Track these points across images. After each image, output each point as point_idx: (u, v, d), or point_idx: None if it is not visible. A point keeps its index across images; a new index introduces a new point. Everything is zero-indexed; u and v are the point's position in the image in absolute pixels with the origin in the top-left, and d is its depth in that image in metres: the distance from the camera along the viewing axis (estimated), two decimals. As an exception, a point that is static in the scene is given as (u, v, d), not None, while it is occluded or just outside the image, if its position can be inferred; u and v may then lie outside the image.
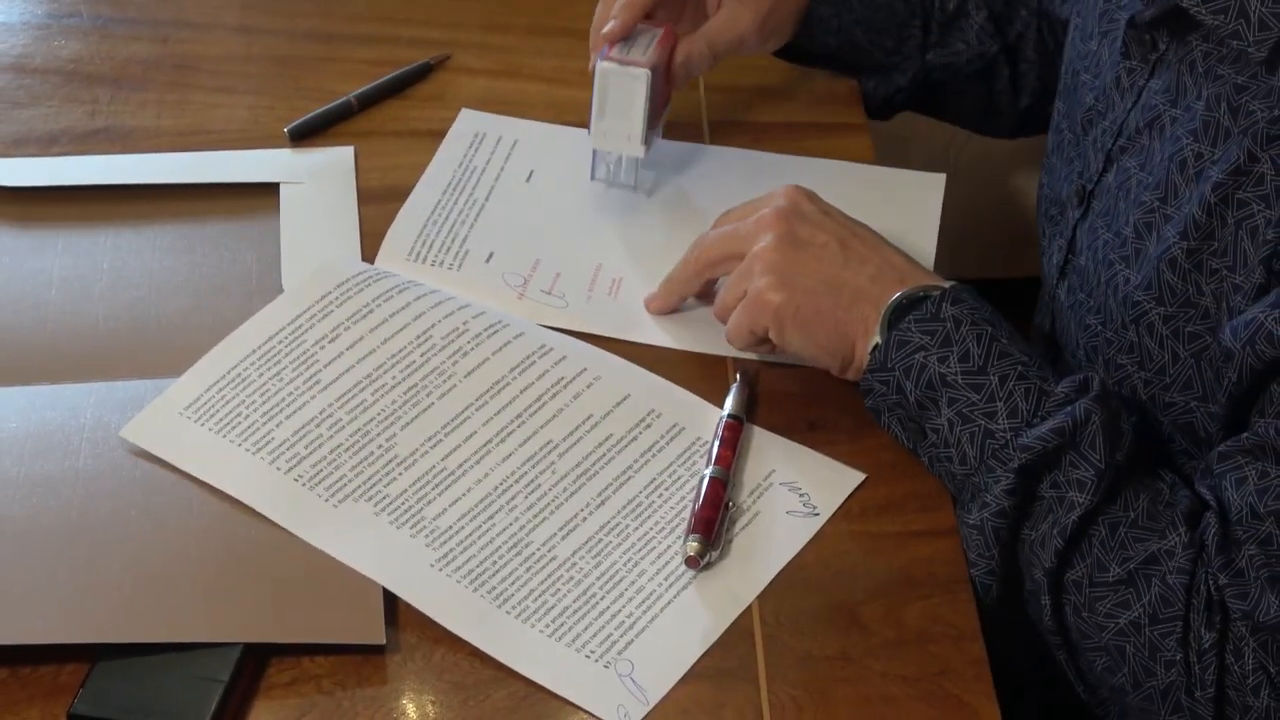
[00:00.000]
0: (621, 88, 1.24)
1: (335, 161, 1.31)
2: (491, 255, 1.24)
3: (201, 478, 1.06)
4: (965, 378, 1.05)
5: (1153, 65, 1.11)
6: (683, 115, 1.37)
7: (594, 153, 1.29)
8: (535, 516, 1.06)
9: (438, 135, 1.34)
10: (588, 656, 1.00)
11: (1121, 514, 1.02)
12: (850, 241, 1.12)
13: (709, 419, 1.12)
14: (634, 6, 1.25)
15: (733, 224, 1.16)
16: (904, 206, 1.29)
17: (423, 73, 1.40)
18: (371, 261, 1.22)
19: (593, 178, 1.30)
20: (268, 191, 1.28)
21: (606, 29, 1.25)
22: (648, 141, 1.26)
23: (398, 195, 1.28)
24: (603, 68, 1.24)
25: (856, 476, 1.10)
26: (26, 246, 1.24)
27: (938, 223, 1.28)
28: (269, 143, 1.33)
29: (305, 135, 1.33)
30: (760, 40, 1.33)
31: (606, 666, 0.99)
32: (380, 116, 1.36)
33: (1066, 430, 1.02)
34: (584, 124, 1.33)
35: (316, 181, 1.29)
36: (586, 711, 0.98)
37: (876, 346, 1.09)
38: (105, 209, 1.27)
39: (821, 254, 1.12)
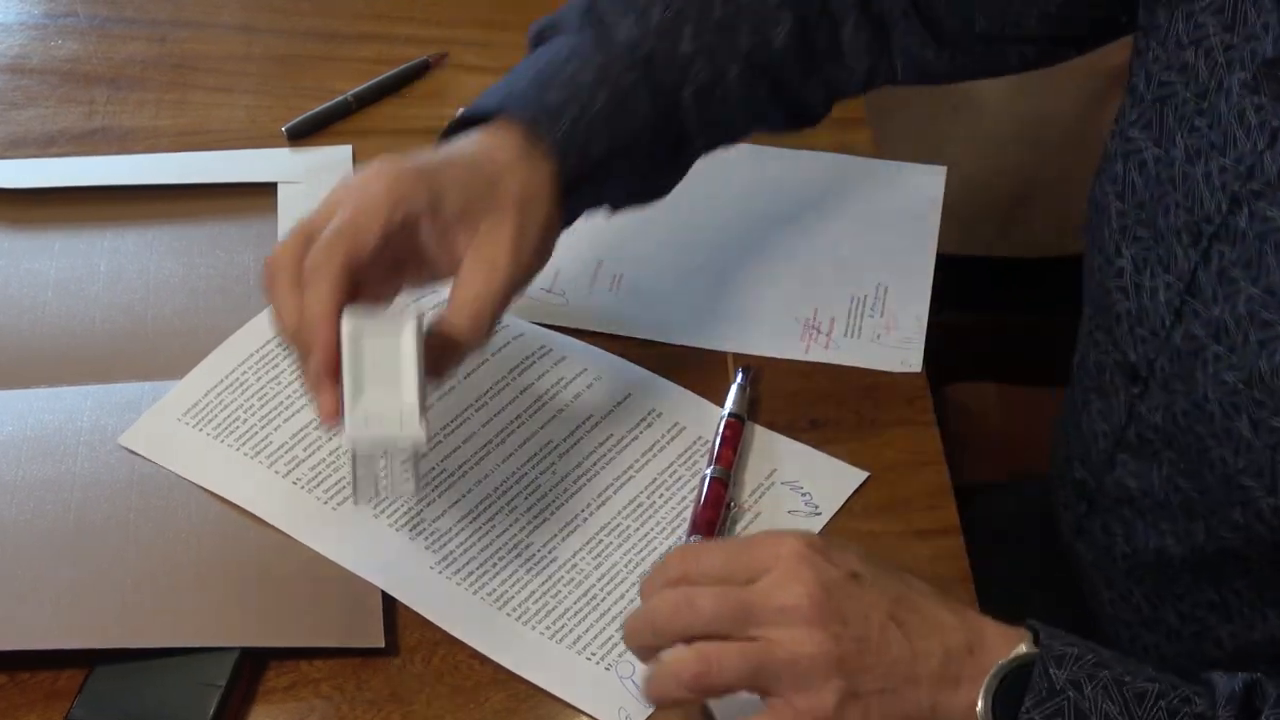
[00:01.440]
0: (380, 344, 0.93)
1: (333, 161, 1.30)
2: (491, 254, 1.24)
3: (200, 483, 1.06)
4: None
5: None
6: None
7: (352, 461, 0.95)
8: (536, 518, 1.06)
9: (436, 133, 1.33)
10: (589, 658, 0.99)
11: None
12: (899, 615, 0.89)
13: (710, 418, 1.12)
14: (331, 283, 0.93)
15: (725, 589, 0.89)
16: (906, 198, 1.29)
17: (420, 71, 1.39)
18: (371, 262, 1.22)
19: (356, 502, 1.00)
20: (265, 191, 1.27)
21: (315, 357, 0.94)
22: (425, 419, 0.93)
23: (396, 194, 1.28)
24: (350, 327, 0.91)
25: (859, 475, 1.10)
26: (23, 248, 1.23)
27: (939, 214, 1.29)
28: (267, 142, 1.32)
29: (303, 134, 1.33)
30: (536, 260, 1.03)
31: (608, 668, 0.99)
32: (378, 115, 1.36)
33: None
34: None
35: (314, 181, 1.28)
36: (587, 714, 0.97)
37: None
38: (102, 210, 1.26)
39: (881, 640, 0.88)
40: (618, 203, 1.12)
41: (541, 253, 1.02)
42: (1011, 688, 0.87)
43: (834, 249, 1.26)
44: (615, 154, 1.06)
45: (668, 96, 1.08)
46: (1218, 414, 1.02)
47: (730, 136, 1.15)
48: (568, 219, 1.06)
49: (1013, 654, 0.88)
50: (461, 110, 1.07)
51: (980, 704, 0.87)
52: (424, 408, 0.92)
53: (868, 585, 0.89)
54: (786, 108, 1.15)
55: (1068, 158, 1.65)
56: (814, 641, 0.86)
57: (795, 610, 0.86)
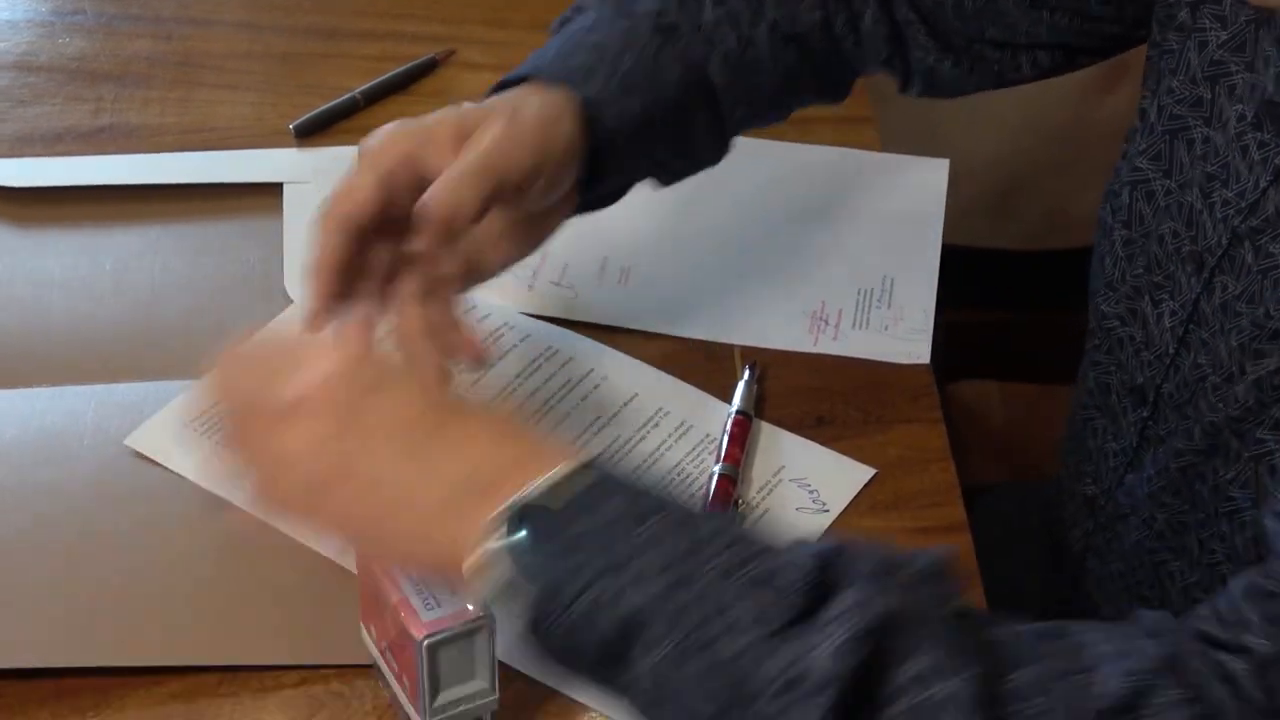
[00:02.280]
0: (457, 651, 0.90)
1: (339, 161, 1.28)
2: (499, 249, 1.24)
3: (209, 489, 1.06)
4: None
5: None
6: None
7: None
8: (543, 519, 1.06)
9: (443, 131, 1.33)
10: (597, 657, 0.99)
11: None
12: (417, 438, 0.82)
13: (717, 415, 1.12)
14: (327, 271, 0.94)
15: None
16: (910, 191, 1.29)
17: (428, 68, 1.40)
18: (379, 259, 1.22)
19: None
20: (271, 191, 1.28)
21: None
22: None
23: (404, 192, 1.28)
24: (428, 644, 0.87)
25: (866, 472, 1.10)
26: (28, 247, 1.24)
27: (943, 207, 1.29)
28: (274, 140, 1.33)
29: (310, 132, 1.33)
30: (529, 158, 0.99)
31: (616, 667, 0.99)
32: (385, 113, 1.36)
33: (860, 636, 0.71)
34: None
35: (321, 181, 1.27)
36: (597, 711, 0.97)
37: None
38: (108, 209, 1.26)
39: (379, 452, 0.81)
40: (661, 170, 1.11)
41: (541, 154, 0.98)
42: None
43: (840, 242, 1.26)
44: (650, 116, 1.05)
45: (695, 63, 1.08)
46: (1210, 430, 1.03)
47: (766, 106, 1.15)
48: (615, 185, 1.08)
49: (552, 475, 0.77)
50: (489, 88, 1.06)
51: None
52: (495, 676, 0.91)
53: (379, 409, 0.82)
54: (816, 76, 1.15)
55: (1065, 150, 1.65)
56: (306, 436, 0.81)
57: (310, 399, 0.82)
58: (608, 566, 0.74)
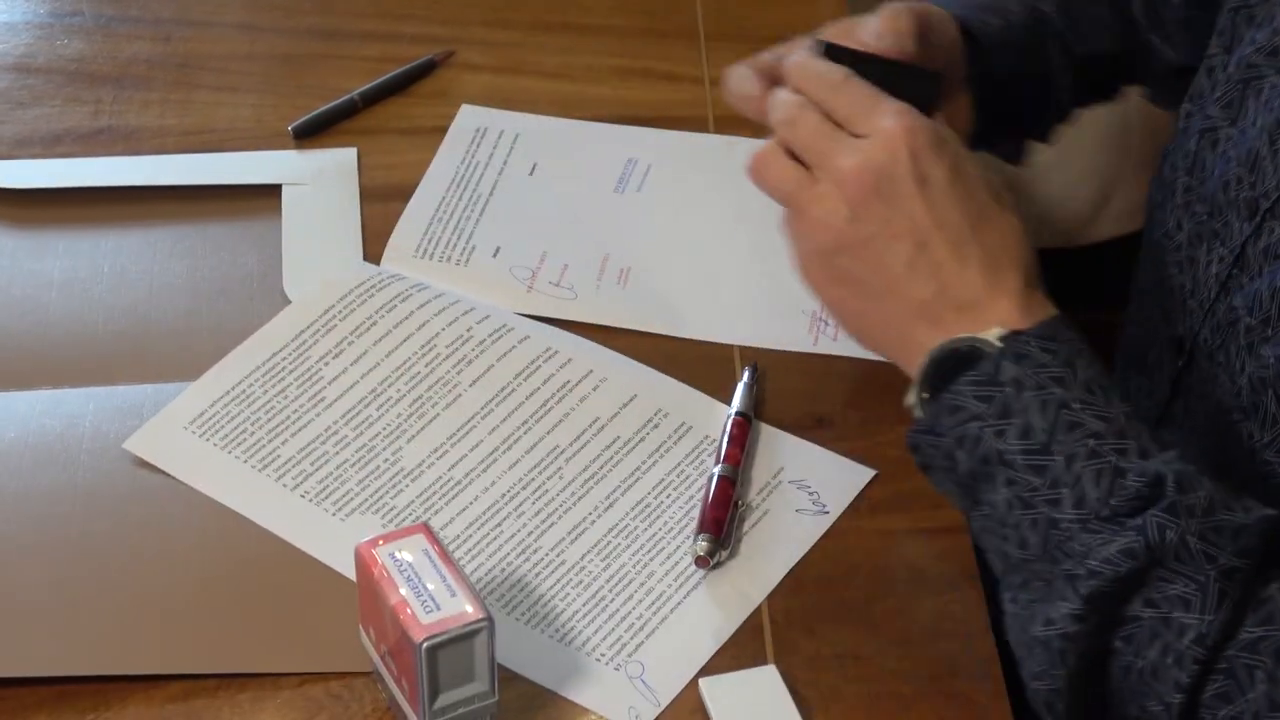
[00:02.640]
0: (456, 654, 0.91)
1: (338, 163, 1.30)
2: (498, 249, 1.24)
3: (207, 493, 1.06)
4: (1026, 457, 0.92)
5: None
6: (688, 108, 1.37)
7: None
8: (543, 522, 1.06)
9: (442, 132, 1.33)
10: (598, 660, 0.99)
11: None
12: (930, 243, 0.97)
13: (717, 417, 1.12)
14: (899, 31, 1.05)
15: (828, 129, 0.99)
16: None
17: (427, 69, 1.39)
18: (377, 261, 1.22)
19: None
20: (269, 193, 1.27)
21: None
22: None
23: (402, 193, 1.28)
24: (427, 647, 0.89)
25: (866, 473, 1.10)
26: (26, 248, 1.23)
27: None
28: (272, 141, 1.32)
29: (308, 133, 1.33)
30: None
31: (617, 669, 0.99)
32: (384, 114, 1.36)
33: (1139, 551, 0.89)
34: (587, 117, 1.34)
35: (319, 183, 1.28)
36: (596, 714, 0.97)
37: (924, 401, 0.97)
38: (106, 211, 1.26)
39: (888, 248, 0.97)
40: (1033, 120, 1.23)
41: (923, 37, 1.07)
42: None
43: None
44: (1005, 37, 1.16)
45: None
46: (1246, 389, 1.02)
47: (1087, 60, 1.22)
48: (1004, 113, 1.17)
49: (986, 333, 0.95)
50: None
51: (927, 357, 0.96)
52: (494, 677, 0.93)
53: (923, 199, 0.96)
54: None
55: (1062, 153, 1.64)
56: (836, 215, 0.97)
57: (844, 181, 0.97)
58: (993, 413, 0.93)
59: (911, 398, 0.98)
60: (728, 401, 1.12)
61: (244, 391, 1.11)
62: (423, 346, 1.14)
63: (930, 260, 0.97)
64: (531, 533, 1.05)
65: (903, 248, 0.96)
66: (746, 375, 1.14)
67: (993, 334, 0.95)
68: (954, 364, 0.95)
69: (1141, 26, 1.24)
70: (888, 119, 0.97)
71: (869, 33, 1.04)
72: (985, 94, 1.16)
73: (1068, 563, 0.90)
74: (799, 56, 1.02)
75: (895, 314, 0.98)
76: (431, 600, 0.90)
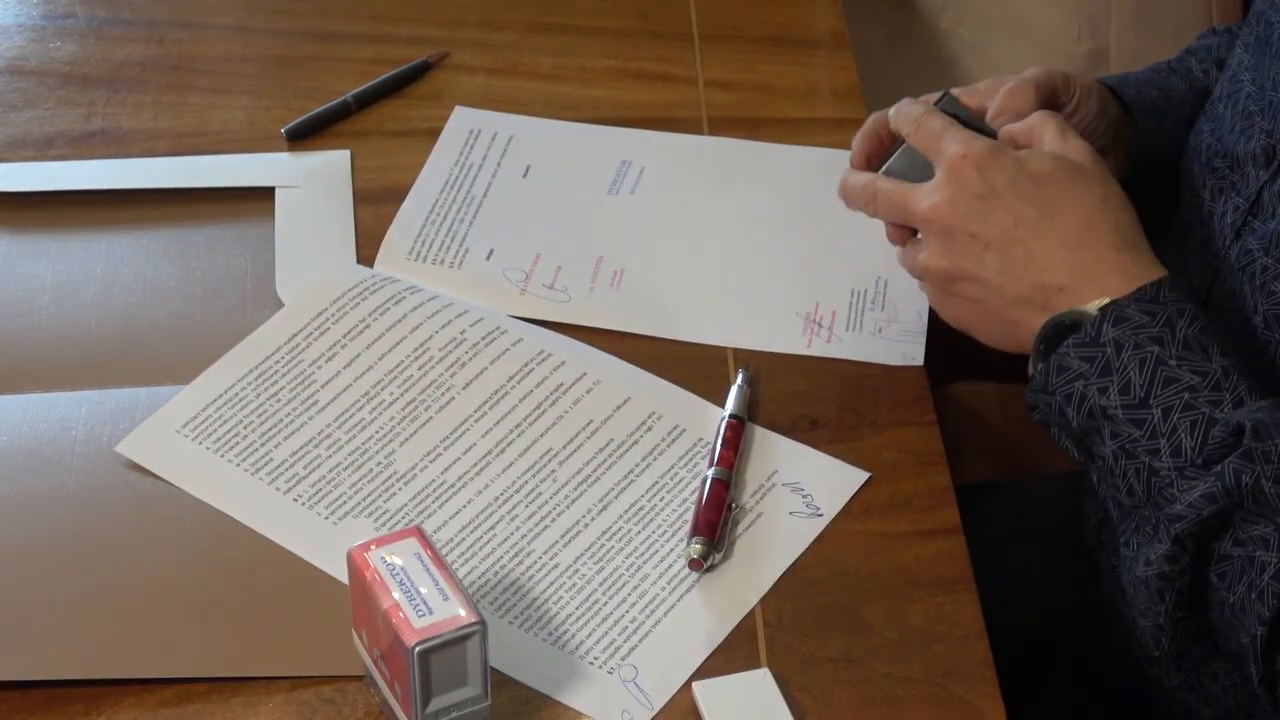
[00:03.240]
0: (449, 658, 0.91)
1: (331, 165, 1.30)
2: (492, 252, 1.24)
3: (200, 496, 1.06)
4: (1126, 411, 0.98)
5: None
6: (682, 109, 1.37)
7: None
8: (536, 525, 1.06)
9: (436, 134, 1.33)
10: (591, 663, 0.99)
11: None
12: (1013, 243, 1.03)
13: (710, 419, 1.12)
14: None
15: (899, 192, 1.08)
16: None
17: (420, 71, 1.39)
18: (371, 264, 1.22)
19: None
20: (262, 196, 1.27)
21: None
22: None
23: (396, 195, 1.28)
24: (419, 651, 0.89)
25: (860, 476, 1.10)
26: (18, 251, 1.23)
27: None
28: (266, 143, 1.32)
29: (302, 135, 1.33)
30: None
31: (610, 672, 0.99)
32: (378, 116, 1.36)
33: (1218, 495, 0.94)
34: (581, 119, 1.34)
35: (312, 186, 1.28)
36: (590, 718, 0.97)
37: (1037, 368, 1.02)
38: (98, 214, 1.26)
39: (982, 262, 1.03)
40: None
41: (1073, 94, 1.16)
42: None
43: (833, 243, 1.25)
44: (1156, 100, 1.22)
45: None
46: (1260, 327, 1.04)
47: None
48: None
49: (1089, 305, 1.00)
50: None
51: (1038, 332, 1.02)
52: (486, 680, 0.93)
53: (996, 208, 1.03)
54: None
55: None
56: (935, 256, 1.05)
57: (929, 222, 1.05)
58: (1095, 372, 0.99)
59: (1031, 369, 1.03)
60: (721, 404, 1.12)
61: (237, 395, 1.12)
62: (416, 349, 1.14)
63: (1019, 258, 1.03)
64: (525, 536, 1.05)
65: (992, 257, 1.03)
66: (740, 378, 1.14)
67: (1093, 305, 1.00)
68: (1061, 333, 1.01)
69: None
70: (951, 146, 1.05)
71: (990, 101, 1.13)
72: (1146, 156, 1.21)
73: (1167, 507, 0.96)
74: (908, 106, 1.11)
75: (1009, 314, 1.04)
76: (424, 604, 0.90)
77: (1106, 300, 1.00)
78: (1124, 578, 1.00)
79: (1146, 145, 1.19)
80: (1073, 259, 1.02)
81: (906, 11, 1.81)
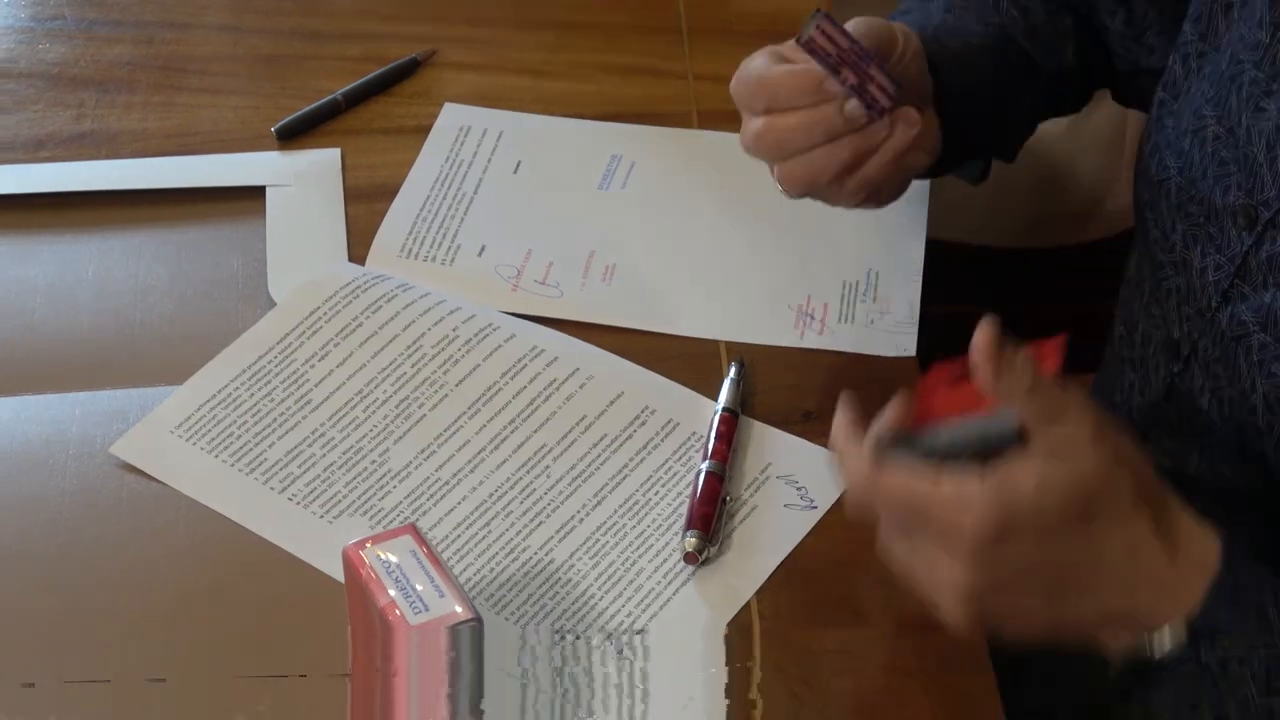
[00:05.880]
0: None
1: (321, 163, 1.30)
2: (483, 248, 1.24)
3: (195, 497, 1.06)
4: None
5: None
6: (672, 104, 1.37)
7: None
8: (531, 521, 1.06)
9: (426, 131, 1.33)
10: (587, 658, 1.00)
11: None
12: (1054, 586, 0.89)
13: (704, 413, 1.12)
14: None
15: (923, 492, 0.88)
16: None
17: (410, 69, 1.39)
18: (363, 262, 1.22)
19: None
20: (253, 195, 1.27)
21: None
22: None
23: (387, 193, 1.28)
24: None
25: (853, 468, 1.10)
26: (10, 254, 1.23)
27: (927, 198, 1.28)
28: (256, 142, 1.32)
29: (292, 134, 1.32)
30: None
31: (606, 667, 0.99)
32: (368, 114, 1.36)
33: None
34: (570, 114, 1.34)
35: (303, 185, 1.28)
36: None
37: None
38: (89, 215, 1.26)
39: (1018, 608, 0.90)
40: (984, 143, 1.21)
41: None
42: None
43: (824, 235, 1.26)
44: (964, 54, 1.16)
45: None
46: (1261, 408, 1.01)
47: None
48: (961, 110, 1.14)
49: (1161, 639, 0.89)
50: None
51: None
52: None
53: (1018, 563, 0.87)
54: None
55: (1055, 156, 1.65)
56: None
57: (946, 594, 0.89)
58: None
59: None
60: (714, 397, 1.12)
61: (230, 395, 1.12)
62: (409, 347, 1.14)
63: (1060, 601, 0.89)
64: (520, 532, 1.05)
65: (1034, 605, 0.89)
66: (733, 371, 1.14)
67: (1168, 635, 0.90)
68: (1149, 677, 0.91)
69: (1115, 34, 1.22)
70: (961, 519, 0.87)
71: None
72: (945, 116, 1.14)
73: None
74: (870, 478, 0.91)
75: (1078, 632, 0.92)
76: (420, 601, 0.90)
77: (1171, 633, 0.90)
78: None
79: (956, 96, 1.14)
80: (1124, 581, 0.89)
81: (895, 1, 1.81)
